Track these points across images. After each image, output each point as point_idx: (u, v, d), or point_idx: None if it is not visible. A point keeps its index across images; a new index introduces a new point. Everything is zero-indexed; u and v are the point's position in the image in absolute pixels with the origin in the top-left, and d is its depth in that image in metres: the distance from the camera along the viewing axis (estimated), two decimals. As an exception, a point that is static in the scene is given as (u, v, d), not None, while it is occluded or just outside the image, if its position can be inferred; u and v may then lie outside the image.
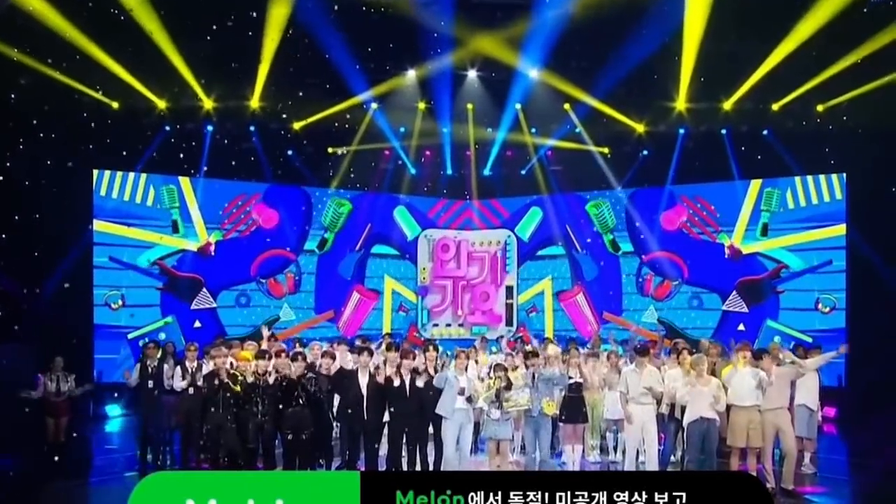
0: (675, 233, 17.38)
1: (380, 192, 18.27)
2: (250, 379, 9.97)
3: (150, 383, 11.25)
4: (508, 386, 9.95)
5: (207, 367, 10.47)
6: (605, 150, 17.30)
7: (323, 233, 17.96)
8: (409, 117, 16.77)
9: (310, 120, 16.35)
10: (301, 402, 9.95)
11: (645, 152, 17.21)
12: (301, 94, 15.59)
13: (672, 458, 10.88)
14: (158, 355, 11.31)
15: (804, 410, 10.99)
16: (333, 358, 10.58)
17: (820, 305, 16.06)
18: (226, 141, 16.56)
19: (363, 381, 10.05)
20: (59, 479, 10.67)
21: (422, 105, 16.68)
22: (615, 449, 11.93)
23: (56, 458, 11.10)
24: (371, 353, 10.31)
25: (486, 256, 18.91)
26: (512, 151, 17.96)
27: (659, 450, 10.40)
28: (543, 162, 17.83)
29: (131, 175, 16.33)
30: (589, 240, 18.11)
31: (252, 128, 16.56)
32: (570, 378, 10.66)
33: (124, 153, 15.93)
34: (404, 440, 10.16)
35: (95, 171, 16.18)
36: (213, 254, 17.03)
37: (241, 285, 17.28)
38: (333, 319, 17.90)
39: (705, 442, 9.74)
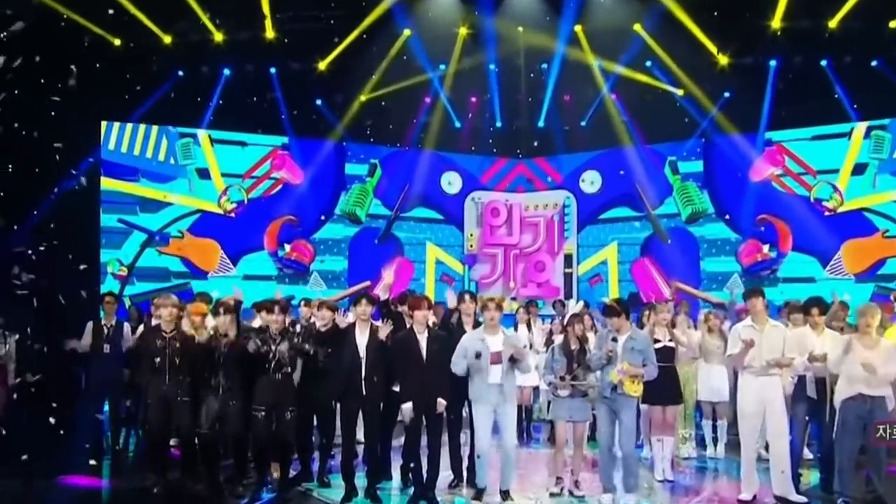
0: (764, 188, 13.34)
1: (420, 149, 14.63)
2: (204, 337, 6.55)
3: (107, 347, 7.98)
4: (583, 350, 6.45)
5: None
6: (681, 91, 13.33)
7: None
8: (449, 49, 13.07)
9: (334, 54, 12.82)
10: (280, 367, 6.51)
11: (727, 94, 13.21)
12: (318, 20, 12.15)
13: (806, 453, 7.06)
14: (116, 311, 8.03)
15: None
16: (333, 310, 7.09)
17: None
18: (244, 89, 13.26)
19: (361, 340, 6.52)
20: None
21: (463, 30, 12.99)
22: (715, 441, 8.14)
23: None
24: (372, 303, 6.74)
25: (542, 221, 15.15)
26: (570, 95, 14.15)
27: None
28: (608, 108, 13.91)
29: (142, 127, 13.24)
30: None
31: (273, 70, 13.21)
32: (657, 341, 6.92)
33: (130, 100, 12.81)
34: (423, 425, 6.61)
35: (104, 123, 13.15)
36: (233, 215, 13.76)
37: (263, 251, 13.94)
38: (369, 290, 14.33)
39: (868, 431, 5.92)
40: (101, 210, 13.00)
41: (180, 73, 12.97)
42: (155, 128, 13.34)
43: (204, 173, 13.63)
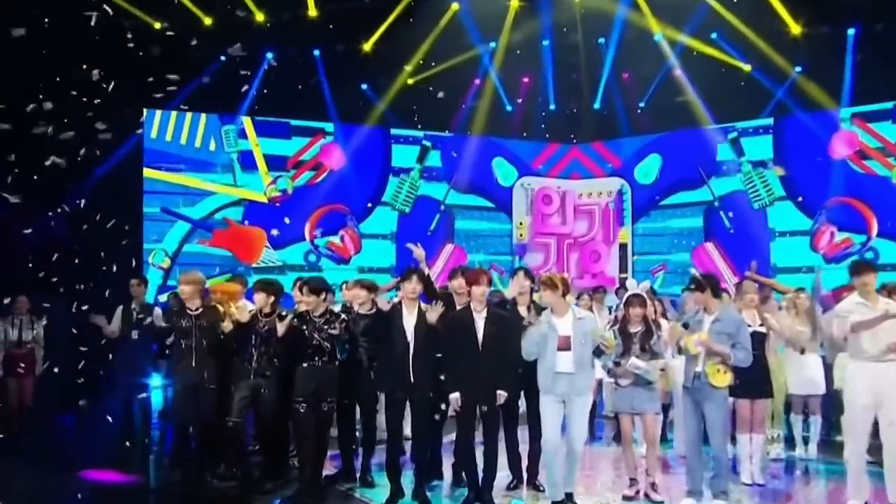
0: (841, 168, 12.09)
1: (469, 134, 13.75)
2: (245, 318, 5.81)
3: (135, 334, 7.32)
4: (649, 333, 5.56)
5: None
6: (747, 67, 12.16)
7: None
8: (499, 23, 12.16)
9: (379, 33, 12.05)
10: (321, 352, 5.73)
11: (800, 67, 12.00)
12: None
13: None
14: (145, 295, 7.36)
15: None
16: (368, 289, 6.29)
17: None
18: (287, 73, 12.57)
19: (409, 321, 5.70)
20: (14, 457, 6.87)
21: (515, 2, 12.02)
22: (806, 440, 7.10)
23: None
24: (423, 280, 5.90)
25: (597, 209, 14.17)
26: (629, 74, 13.11)
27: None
28: (670, 86, 12.79)
29: (188, 115, 12.61)
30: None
31: (316, 52, 12.51)
32: (748, 325, 5.93)
33: (172, 86, 12.24)
34: (478, 418, 5.76)
35: (145, 111, 12.61)
36: (278, 204, 13.10)
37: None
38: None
39: None
40: (143, 200, 12.50)
41: (222, 58, 12.39)
42: (202, 116, 12.73)
43: (248, 160, 13.01)
